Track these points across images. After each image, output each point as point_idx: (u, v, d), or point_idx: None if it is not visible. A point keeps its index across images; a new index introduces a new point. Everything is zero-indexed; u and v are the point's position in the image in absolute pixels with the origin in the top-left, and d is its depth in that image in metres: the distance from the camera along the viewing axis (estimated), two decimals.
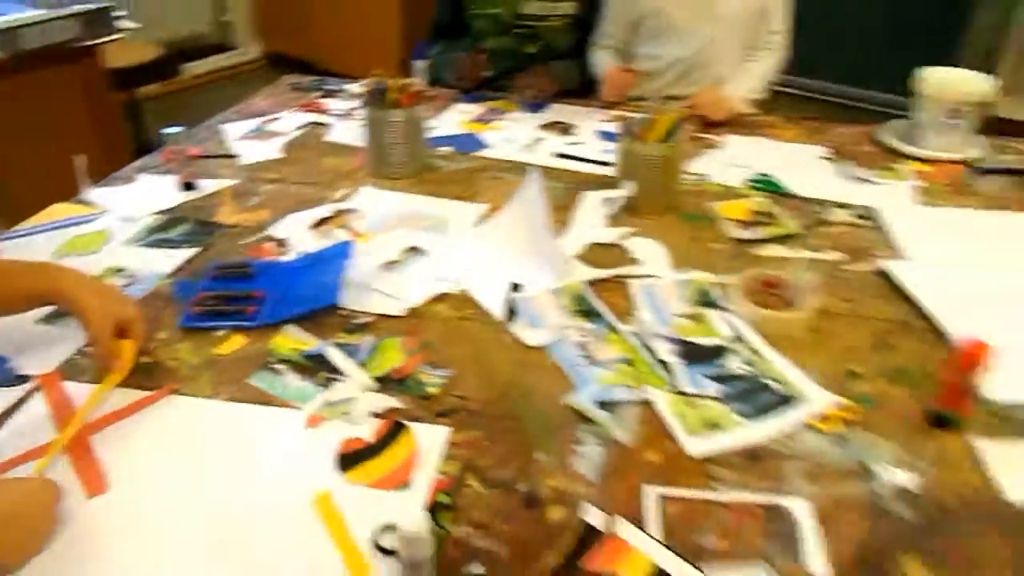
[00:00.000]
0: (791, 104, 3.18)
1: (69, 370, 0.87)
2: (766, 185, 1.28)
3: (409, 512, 0.67)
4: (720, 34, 1.59)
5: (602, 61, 1.66)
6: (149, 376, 0.86)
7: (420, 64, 1.65)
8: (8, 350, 0.89)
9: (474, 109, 1.61)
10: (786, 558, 0.65)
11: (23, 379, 0.85)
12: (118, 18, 2.23)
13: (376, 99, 1.29)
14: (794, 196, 1.25)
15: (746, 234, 1.14)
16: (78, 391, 0.83)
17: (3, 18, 2.01)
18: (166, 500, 0.70)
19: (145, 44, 3.25)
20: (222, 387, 0.84)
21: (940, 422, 0.79)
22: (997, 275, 1.02)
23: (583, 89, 1.69)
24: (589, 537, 0.66)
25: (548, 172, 1.31)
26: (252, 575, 0.63)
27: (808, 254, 1.09)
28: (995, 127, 2.54)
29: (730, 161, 1.37)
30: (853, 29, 3.00)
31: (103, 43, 2.22)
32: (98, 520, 0.69)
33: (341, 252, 1.03)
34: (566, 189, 1.26)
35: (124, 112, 2.92)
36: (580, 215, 1.17)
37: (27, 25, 2.00)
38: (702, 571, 0.62)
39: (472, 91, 1.65)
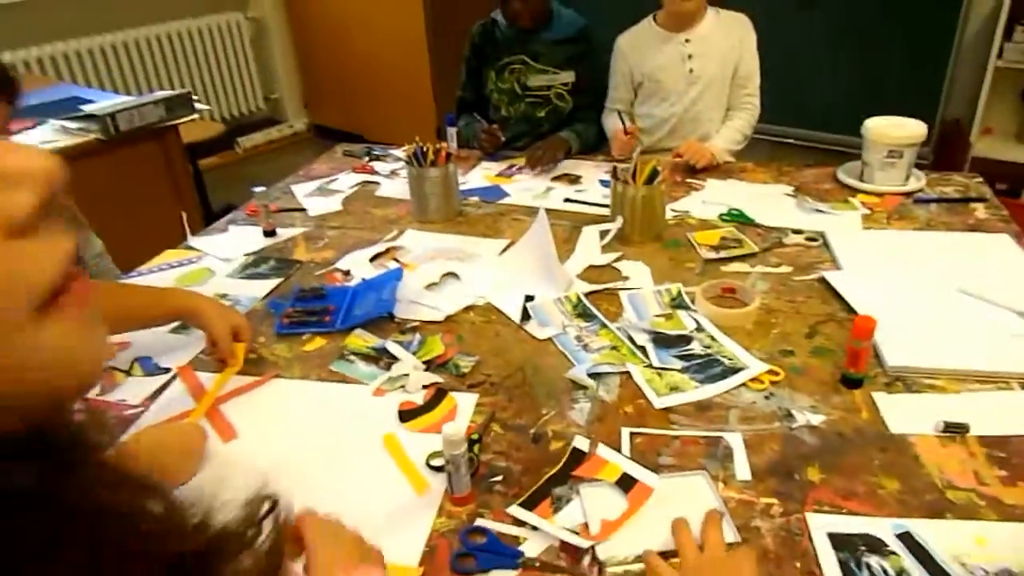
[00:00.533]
0: (796, 153, 3.46)
1: (196, 364, 1.17)
2: (736, 217, 1.56)
3: None
4: (701, 95, 1.90)
5: (610, 123, 1.97)
6: (256, 367, 1.15)
7: (451, 131, 1.98)
8: (152, 351, 1.20)
9: (496, 166, 1.93)
10: (720, 469, 0.90)
11: (165, 370, 1.16)
12: (195, 101, 2.63)
13: (417, 159, 1.62)
14: (759, 225, 1.53)
15: (714, 255, 1.41)
16: (205, 378, 1.13)
17: (104, 104, 2.42)
18: (279, 444, 0.99)
19: (210, 122, 3.69)
20: (311, 372, 1.14)
21: (848, 382, 1.04)
22: (911, 277, 1.28)
23: (595, 144, 2.00)
24: (577, 455, 0.92)
25: (558, 214, 1.62)
26: (343, 492, 0.91)
27: (763, 268, 1.36)
28: (977, 166, 2.78)
29: (709, 200, 1.66)
30: (853, 84, 3.28)
31: (183, 123, 2.61)
32: (231, 457, 0.97)
33: (394, 276, 1.34)
34: (572, 226, 1.56)
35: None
36: (581, 244, 1.46)
37: (123, 110, 2.39)
38: (657, 473, 0.88)
39: (492, 153, 1.96)
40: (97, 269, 1.59)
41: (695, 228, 1.53)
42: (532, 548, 0.81)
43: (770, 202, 1.63)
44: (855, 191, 1.67)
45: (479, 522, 0.85)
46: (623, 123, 1.83)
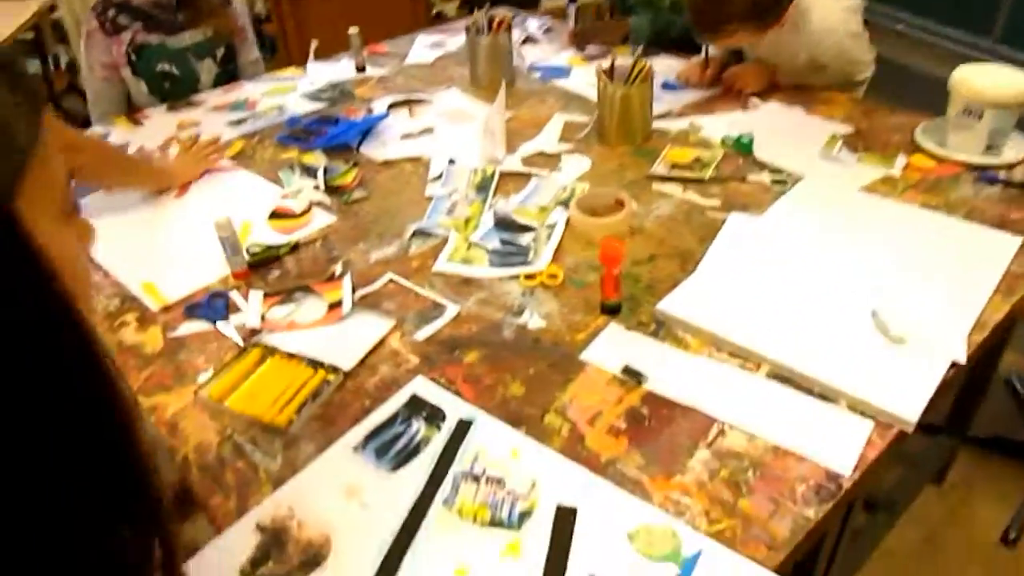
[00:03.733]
0: None
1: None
2: (737, 145, 1.42)
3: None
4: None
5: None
6: (239, 159, 1.52)
7: (571, 7, 2.01)
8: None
9: (589, 51, 1.93)
10: (413, 325, 1.03)
11: None
12: None
13: (478, 28, 1.75)
14: (751, 157, 1.38)
15: (663, 171, 1.35)
16: None
17: None
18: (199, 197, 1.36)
19: None
20: (266, 171, 1.46)
21: (604, 308, 1.03)
22: (811, 245, 1.11)
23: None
24: (332, 275, 1.12)
25: (579, 101, 1.64)
26: (190, 244, 1.24)
27: (692, 195, 1.28)
28: None
29: (740, 121, 1.51)
30: None
31: None
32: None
33: (378, 118, 1.57)
34: (583, 113, 1.58)
35: None
36: (546, 130, 1.50)
37: None
38: (359, 308, 1.05)
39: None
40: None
41: (680, 143, 1.45)
42: (242, 319, 1.06)
43: (798, 139, 1.43)
44: (917, 149, 1.37)
45: (225, 290, 1.12)
46: (706, 56, 1.68)
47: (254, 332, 1.03)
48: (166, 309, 1.10)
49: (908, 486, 1.62)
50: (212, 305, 1.09)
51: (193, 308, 1.09)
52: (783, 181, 1.29)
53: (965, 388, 1.56)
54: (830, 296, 1.01)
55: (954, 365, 0.89)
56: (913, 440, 0.85)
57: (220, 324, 1.05)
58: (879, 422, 0.83)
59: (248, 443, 0.87)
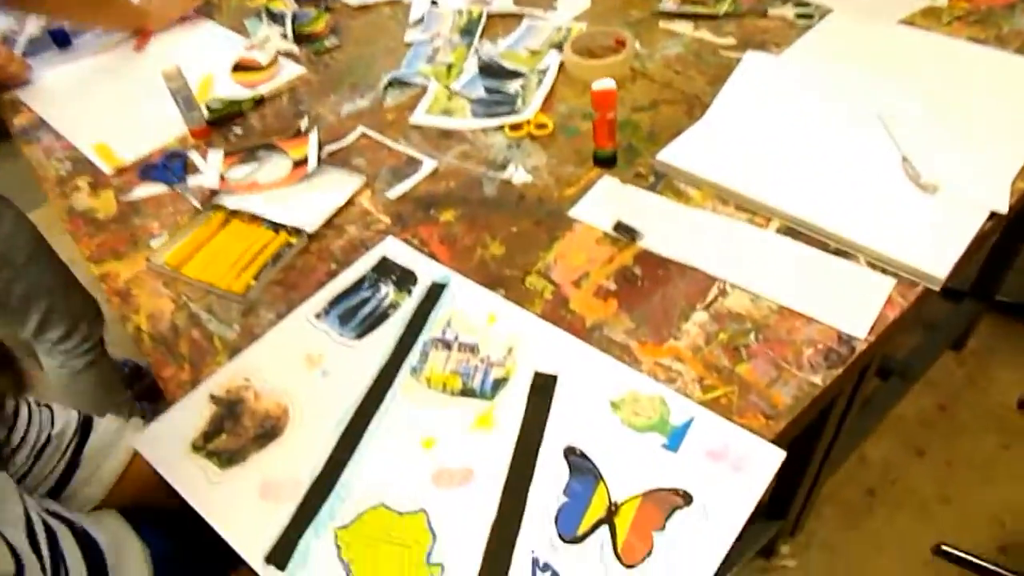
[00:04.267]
0: None
1: None
2: None
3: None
4: None
5: None
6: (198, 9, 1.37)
7: None
8: None
9: None
10: (385, 183, 0.93)
11: None
12: None
13: None
14: None
15: (672, 8, 1.19)
16: None
17: None
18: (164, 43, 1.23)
19: None
20: (233, 21, 1.32)
21: (598, 160, 0.92)
22: (840, 87, 0.97)
23: None
24: (297, 131, 1.01)
25: None
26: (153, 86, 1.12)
27: (704, 34, 1.12)
28: None
29: None
30: None
31: None
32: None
33: None
34: None
35: None
36: None
37: None
38: (326, 163, 0.95)
39: None
40: None
41: None
42: (200, 180, 0.97)
43: None
44: None
45: (183, 150, 1.02)
46: None
47: (213, 194, 0.94)
48: (120, 172, 1.01)
49: (926, 352, 1.55)
50: (169, 166, 0.99)
51: (148, 170, 0.99)
52: (809, 15, 1.13)
53: (995, 249, 1.45)
54: (855, 142, 0.89)
55: (993, 216, 0.78)
56: (935, 305, 0.76)
57: (177, 186, 0.96)
58: (902, 279, 0.73)
59: (204, 311, 0.80)
